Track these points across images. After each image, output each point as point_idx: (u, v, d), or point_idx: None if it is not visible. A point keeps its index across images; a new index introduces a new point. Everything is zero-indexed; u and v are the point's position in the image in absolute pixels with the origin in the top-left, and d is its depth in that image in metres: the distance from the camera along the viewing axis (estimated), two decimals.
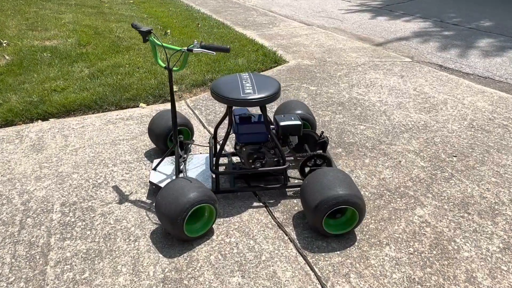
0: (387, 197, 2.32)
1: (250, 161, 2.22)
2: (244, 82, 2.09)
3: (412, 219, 2.14)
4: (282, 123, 2.24)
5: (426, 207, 2.24)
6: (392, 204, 2.26)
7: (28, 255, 1.90)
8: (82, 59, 4.60)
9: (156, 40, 2.00)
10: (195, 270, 1.82)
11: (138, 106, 3.55)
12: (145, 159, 2.69)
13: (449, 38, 5.75)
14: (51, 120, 3.30)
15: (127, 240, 1.99)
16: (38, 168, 2.59)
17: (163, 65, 2.05)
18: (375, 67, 4.51)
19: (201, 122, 3.23)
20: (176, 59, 4.42)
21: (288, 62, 4.70)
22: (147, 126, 2.84)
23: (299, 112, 2.63)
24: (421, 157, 2.73)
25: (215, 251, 1.93)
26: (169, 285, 1.74)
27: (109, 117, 3.33)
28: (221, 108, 3.48)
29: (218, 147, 2.66)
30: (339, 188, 1.87)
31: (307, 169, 2.31)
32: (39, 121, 3.28)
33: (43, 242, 1.97)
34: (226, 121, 3.14)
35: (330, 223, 1.97)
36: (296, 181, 2.42)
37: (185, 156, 2.42)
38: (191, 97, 3.78)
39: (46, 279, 1.77)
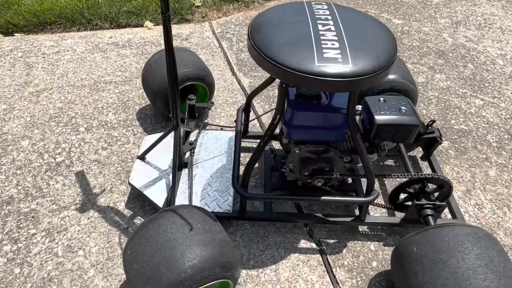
0: None
1: (306, 173, 1.23)
2: (320, 26, 0.99)
3: None
4: (379, 118, 1.15)
5: None
6: None
7: None
8: None
9: None
10: None
11: (142, 26, 2.47)
12: (136, 123, 1.74)
13: None
14: (16, 36, 2.30)
15: None
16: None
17: None
18: None
19: (229, 63, 2.15)
20: None
21: None
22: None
23: (392, 76, 1.51)
24: None
25: None
26: None
27: (98, 39, 2.30)
28: None
29: (250, 126, 1.65)
30: None
31: (402, 195, 1.31)
32: None
33: None
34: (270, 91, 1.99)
35: None
36: (377, 212, 1.43)
37: (193, 141, 1.44)
38: (218, 17, 2.62)
39: None
